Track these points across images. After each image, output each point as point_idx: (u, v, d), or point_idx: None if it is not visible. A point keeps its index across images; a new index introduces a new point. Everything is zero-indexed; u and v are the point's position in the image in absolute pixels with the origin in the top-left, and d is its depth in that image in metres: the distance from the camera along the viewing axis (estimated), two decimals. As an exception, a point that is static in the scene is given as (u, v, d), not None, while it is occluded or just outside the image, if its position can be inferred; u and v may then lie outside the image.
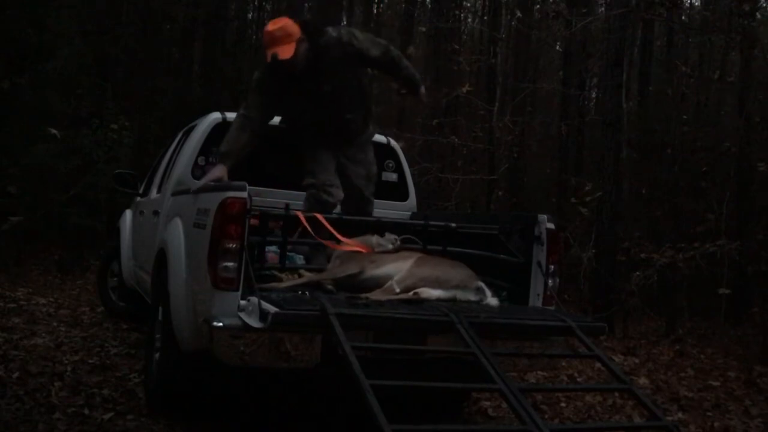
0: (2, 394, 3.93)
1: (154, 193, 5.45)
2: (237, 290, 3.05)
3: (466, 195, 12.19)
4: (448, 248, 4.03)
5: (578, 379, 5.72)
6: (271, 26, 3.88)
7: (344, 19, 18.73)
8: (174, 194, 4.45)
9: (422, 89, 4.37)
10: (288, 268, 3.74)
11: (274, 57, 3.78)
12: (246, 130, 4.00)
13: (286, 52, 3.79)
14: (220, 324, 2.96)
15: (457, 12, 17.42)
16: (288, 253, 3.87)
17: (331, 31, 4.01)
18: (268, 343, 2.94)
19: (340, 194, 4.22)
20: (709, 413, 4.95)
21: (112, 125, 9.96)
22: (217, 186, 3.43)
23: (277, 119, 4.33)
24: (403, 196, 5.21)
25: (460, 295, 3.48)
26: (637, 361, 6.75)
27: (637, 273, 8.06)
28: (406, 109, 15.07)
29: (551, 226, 3.70)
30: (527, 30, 12.56)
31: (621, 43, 8.80)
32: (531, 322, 3.36)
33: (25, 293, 7.53)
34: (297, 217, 3.72)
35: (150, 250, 4.52)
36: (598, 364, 5.10)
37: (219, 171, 3.86)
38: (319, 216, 3.76)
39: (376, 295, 3.33)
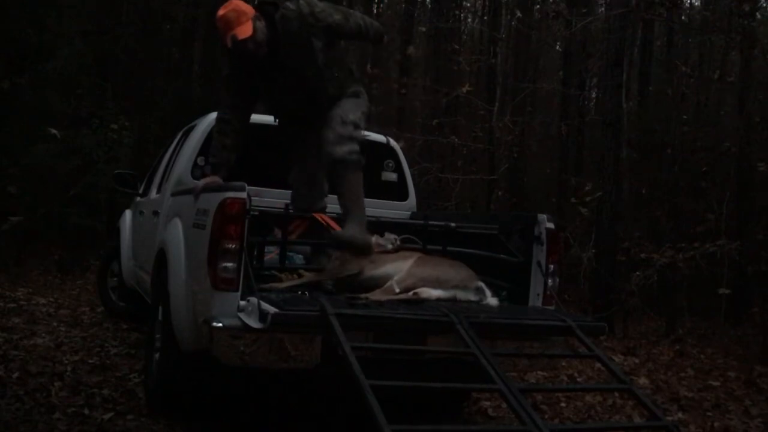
0: (2, 394, 3.93)
1: (153, 194, 5.45)
2: (237, 291, 3.04)
3: (466, 195, 12.20)
4: (448, 248, 4.03)
5: (578, 379, 5.72)
6: (222, 10, 3.61)
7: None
8: (174, 194, 4.45)
9: (385, 38, 4.23)
10: (288, 268, 3.74)
11: (234, 39, 3.54)
12: (228, 134, 3.85)
13: (244, 30, 3.54)
14: (220, 324, 2.95)
15: (457, 12, 17.42)
16: (287, 253, 3.87)
17: (289, 3, 3.72)
18: (267, 344, 2.94)
19: (321, 204, 4.09)
20: (709, 413, 4.95)
21: (112, 125, 9.97)
22: (216, 187, 3.42)
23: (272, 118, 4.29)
24: (403, 196, 5.21)
25: (460, 295, 3.48)
26: (637, 361, 6.75)
27: (637, 273, 8.06)
28: (406, 109, 15.09)
29: (551, 226, 3.70)
30: (527, 30, 12.57)
31: (621, 43, 8.80)
32: (531, 322, 3.36)
33: (25, 293, 7.54)
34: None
35: (150, 250, 4.52)
36: (598, 364, 5.10)
37: (213, 178, 3.70)
38: (319, 216, 3.77)
39: (375, 296, 3.32)
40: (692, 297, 10.33)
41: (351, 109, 3.81)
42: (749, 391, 5.72)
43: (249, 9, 3.62)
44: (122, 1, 12.64)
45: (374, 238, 3.76)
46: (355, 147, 3.72)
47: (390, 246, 3.76)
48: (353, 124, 3.77)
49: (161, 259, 3.94)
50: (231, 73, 3.88)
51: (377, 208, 4.66)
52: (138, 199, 6.16)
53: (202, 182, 3.68)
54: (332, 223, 3.75)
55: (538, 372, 5.29)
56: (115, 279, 6.67)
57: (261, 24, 3.63)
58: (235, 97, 3.89)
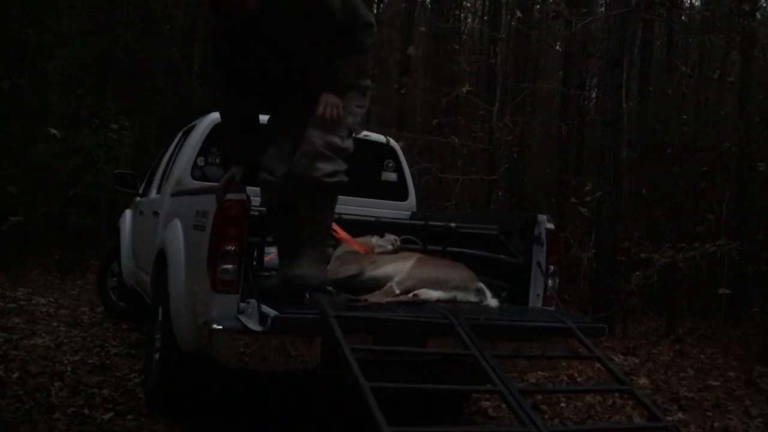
0: (2, 394, 3.93)
1: (153, 194, 5.45)
2: (236, 293, 3.03)
3: (466, 195, 12.20)
4: (448, 249, 4.02)
5: (578, 380, 5.72)
6: None
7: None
8: (173, 195, 4.45)
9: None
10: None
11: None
12: (231, 124, 3.41)
13: None
14: (220, 327, 2.95)
15: (457, 12, 17.41)
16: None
17: None
18: (267, 345, 2.93)
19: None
20: (709, 413, 4.95)
21: (112, 125, 9.99)
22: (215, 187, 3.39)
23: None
24: (403, 196, 5.21)
25: (460, 296, 3.48)
26: (637, 361, 6.75)
27: (637, 273, 8.06)
28: (406, 109, 15.10)
29: (551, 226, 3.69)
30: (527, 30, 12.57)
31: (621, 43, 8.80)
32: (531, 323, 3.36)
33: (25, 293, 7.54)
34: None
35: (150, 251, 4.51)
36: (598, 365, 5.10)
37: (231, 174, 3.29)
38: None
39: (376, 297, 3.32)
40: (692, 297, 10.34)
41: (350, 108, 3.19)
42: (749, 391, 5.72)
43: None
44: (122, 1, 12.66)
45: (374, 239, 3.76)
46: (341, 167, 3.11)
47: (390, 247, 3.76)
48: (348, 129, 3.17)
49: (161, 259, 3.93)
50: (215, 39, 3.28)
51: (377, 208, 4.66)
52: (138, 199, 6.16)
53: (223, 180, 3.28)
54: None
55: (539, 372, 5.29)
56: (115, 279, 6.67)
57: None
58: (226, 77, 3.34)
